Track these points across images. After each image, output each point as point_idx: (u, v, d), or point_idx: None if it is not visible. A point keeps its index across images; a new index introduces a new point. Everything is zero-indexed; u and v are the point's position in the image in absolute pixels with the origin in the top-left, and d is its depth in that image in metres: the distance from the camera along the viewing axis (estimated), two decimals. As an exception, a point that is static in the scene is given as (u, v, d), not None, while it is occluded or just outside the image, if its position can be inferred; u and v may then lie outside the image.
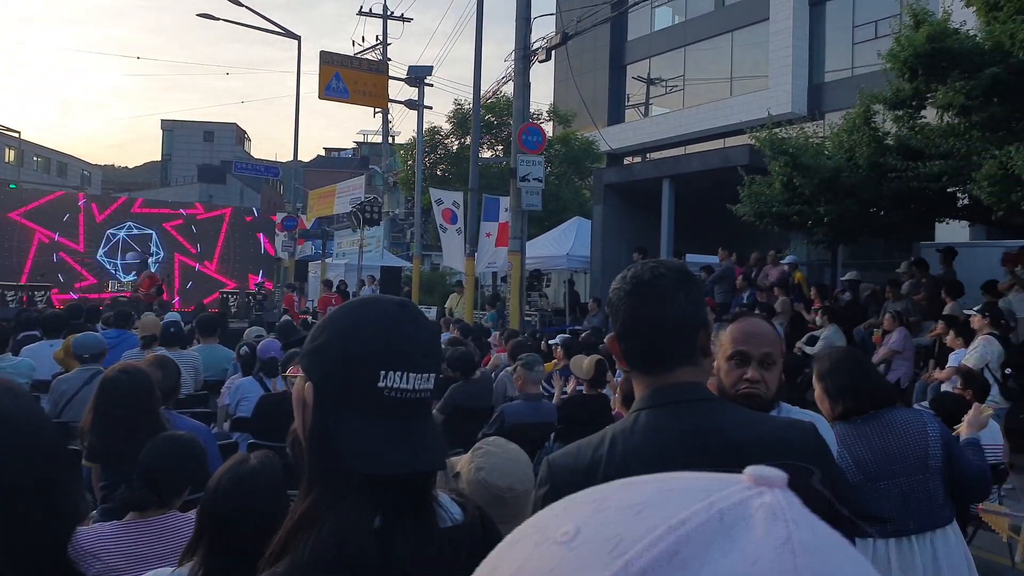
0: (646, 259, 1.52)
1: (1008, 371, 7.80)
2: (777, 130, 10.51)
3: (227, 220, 20.79)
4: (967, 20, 9.08)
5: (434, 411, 6.46)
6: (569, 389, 6.10)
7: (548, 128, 24.55)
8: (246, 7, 23.00)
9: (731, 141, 19.64)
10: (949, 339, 7.95)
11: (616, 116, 28.29)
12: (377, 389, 1.06)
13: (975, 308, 8.50)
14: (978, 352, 7.57)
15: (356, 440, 1.04)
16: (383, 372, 1.06)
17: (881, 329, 9.50)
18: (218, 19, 24.35)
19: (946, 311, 9.10)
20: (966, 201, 9.33)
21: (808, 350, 9.97)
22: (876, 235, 11.01)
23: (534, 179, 12.57)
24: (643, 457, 1.30)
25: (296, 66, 25.32)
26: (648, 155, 25.25)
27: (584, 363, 5.76)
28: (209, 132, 67.79)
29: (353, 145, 64.59)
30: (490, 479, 1.97)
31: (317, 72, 19.75)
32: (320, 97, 19.96)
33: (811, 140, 10.45)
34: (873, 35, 19.63)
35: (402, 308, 1.14)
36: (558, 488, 1.32)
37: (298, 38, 24.94)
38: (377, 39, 25.24)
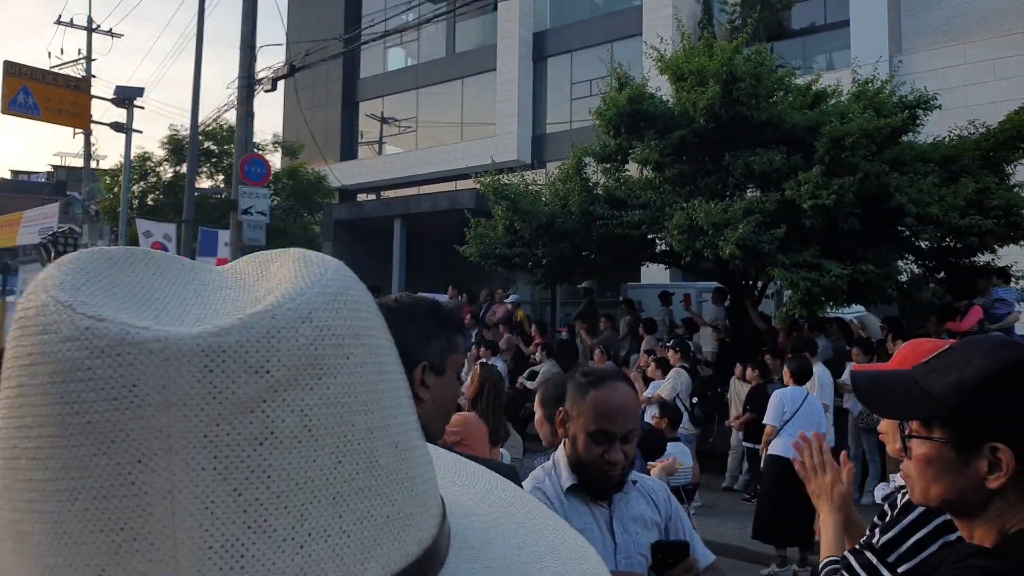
0: (380, 296, 1.42)
1: (695, 400, 8.71)
2: (500, 176, 10.96)
3: None
4: (661, 87, 10.20)
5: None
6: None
7: (275, 160, 23.58)
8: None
9: (461, 184, 20.29)
10: (650, 371, 8.70)
11: (349, 152, 28.03)
12: None
13: (669, 343, 9.43)
14: (670, 383, 8.35)
15: None
16: None
17: (592, 363, 10.18)
18: None
19: (644, 346, 10.01)
20: (663, 247, 10.38)
21: (529, 384, 10.40)
22: (589, 276, 11.87)
23: (257, 212, 11.86)
24: None
25: (-26, 73, 21.72)
26: (382, 193, 25.27)
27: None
28: None
29: (48, 168, 57.05)
30: None
31: (-1, 84, 17.12)
32: (3, 112, 17.29)
33: (531, 187, 11.04)
34: (588, 92, 21.49)
35: None
36: None
37: (-23, 41, 21.56)
38: (80, 53, 22.64)
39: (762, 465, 6.42)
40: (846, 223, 8.11)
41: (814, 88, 10.06)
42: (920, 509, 1.62)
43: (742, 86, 8.83)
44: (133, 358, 0.34)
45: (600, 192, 10.45)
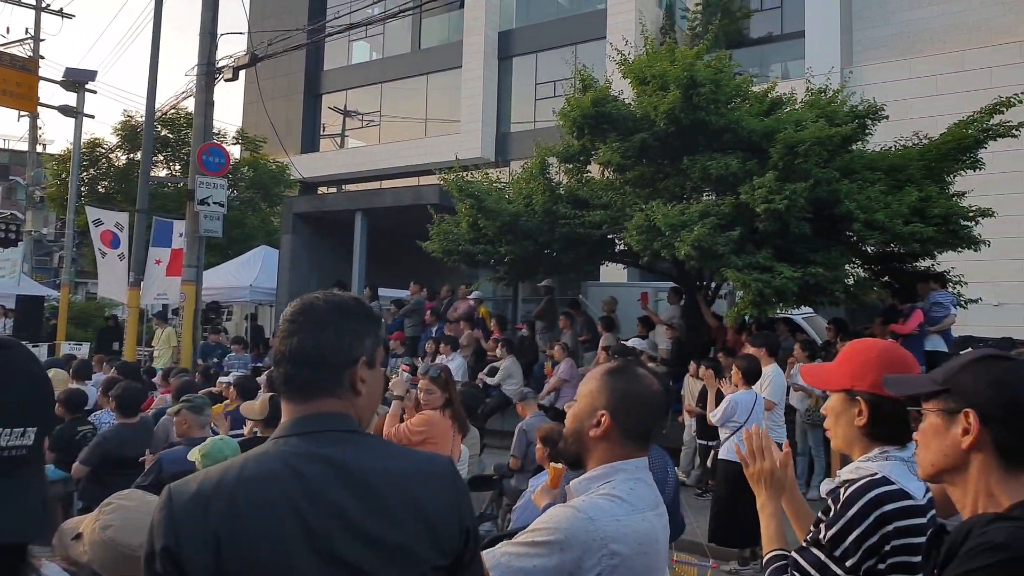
0: (344, 290, 1.51)
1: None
2: (464, 173, 11.02)
3: None
4: (624, 90, 10.37)
5: (77, 463, 5.50)
6: (245, 431, 5.66)
7: (235, 151, 23.26)
8: None
9: (425, 179, 20.28)
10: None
11: (310, 144, 27.79)
12: None
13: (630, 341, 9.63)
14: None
15: None
16: None
17: (551, 360, 10.33)
18: None
19: (602, 343, 10.20)
20: (622, 247, 10.55)
21: (489, 380, 10.50)
22: (551, 274, 12.00)
23: (215, 203, 11.73)
24: (257, 482, 1.26)
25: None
26: (343, 187, 25.12)
27: (256, 404, 5.42)
28: None
29: (-9, 151, 55.29)
30: (119, 537, 1.79)
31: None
32: (-56, 91, 16.81)
33: (495, 185, 11.12)
34: (552, 93, 21.66)
35: None
36: (173, 512, 1.23)
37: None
38: (27, 32, 22.03)
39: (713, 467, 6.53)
40: (797, 227, 8.35)
41: (770, 96, 10.31)
42: (861, 502, 1.65)
43: (702, 91, 9.00)
44: None
45: (563, 192, 10.59)
